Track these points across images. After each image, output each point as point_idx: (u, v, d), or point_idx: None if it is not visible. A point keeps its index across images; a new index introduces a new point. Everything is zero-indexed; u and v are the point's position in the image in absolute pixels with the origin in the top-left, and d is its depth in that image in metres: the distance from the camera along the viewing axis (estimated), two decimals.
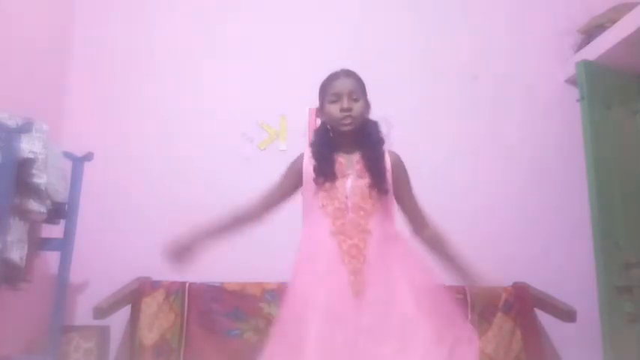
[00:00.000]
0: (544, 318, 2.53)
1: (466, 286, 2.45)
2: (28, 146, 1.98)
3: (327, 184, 1.57)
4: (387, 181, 1.59)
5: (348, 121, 1.57)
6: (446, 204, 2.75)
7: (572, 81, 2.85)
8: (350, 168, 1.59)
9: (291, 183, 1.66)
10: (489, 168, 2.84)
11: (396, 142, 2.85)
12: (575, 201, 2.71)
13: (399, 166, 1.66)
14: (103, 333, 2.55)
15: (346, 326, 1.41)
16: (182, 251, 1.68)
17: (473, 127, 2.88)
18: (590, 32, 2.83)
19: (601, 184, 2.54)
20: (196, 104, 2.91)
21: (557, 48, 2.99)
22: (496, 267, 2.62)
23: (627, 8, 2.57)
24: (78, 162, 2.37)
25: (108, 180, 2.70)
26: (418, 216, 1.69)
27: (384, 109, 2.88)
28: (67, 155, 2.34)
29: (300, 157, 1.67)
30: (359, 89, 1.62)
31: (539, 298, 2.48)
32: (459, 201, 2.77)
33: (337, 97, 1.59)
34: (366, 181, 1.57)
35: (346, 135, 1.61)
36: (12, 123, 1.94)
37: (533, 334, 2.42)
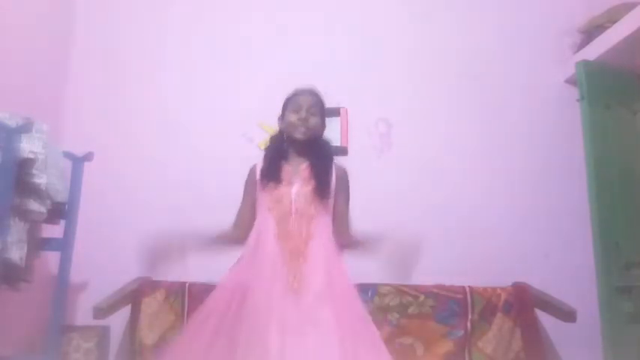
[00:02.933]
0: (544, 318, 2.52)
1: (466, 286, 2.46)
2: (28, 146, 1.98)
3: (273, 188, 1.69)
4: (329, 188, 1.71)
5: (302, 129, 1.72)
6: (445, 204, 2.77)
7: (571, 81, 2.85)
8: (296, 175, 1.71)
9: (254, 196, 1.78)
10: (489, 168, 2.83)
11: (396, 142, 2.88)
12: (575, 201, 2.70)
13: (342, 178, 1.79)
14: (103, 333, 2.55)
15: (286, 327, 1.49)
16: (164, 254, 1.77)
17: (472, 127, 2.88)
18: (590, 32, 2.83)
19: (601, 184, 2.54)
20: (196, 104, 2.91)
21: (557, 48, 2.98)
22: (496, 267, 2.63)
23: (627, 8, 2.57)
24: (78, 162, 2.37)
25: (108, 180, 2.71)
26: (344, 224, 1.78)
27: (383, 109, 2.93)
28: (67, 155, 2.34)
29: (254, 168, 1.81)
30: (318, 107, 1.78)
31: (539, 298, 2.48)
32: (459, 201, 2.77)
33: (298, 109, 1.74)
34: (310, 187, 1.69)
35: (298, 144, 1.74)
36: (12, 123, 1.94)
37: (533, 334, 2.42)
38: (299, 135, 1.73)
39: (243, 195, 1.82)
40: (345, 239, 1.75)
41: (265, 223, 1.68)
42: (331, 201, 1.73)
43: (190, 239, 1.83)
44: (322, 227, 1.68)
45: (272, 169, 1.73)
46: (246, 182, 1.83)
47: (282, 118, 1.82)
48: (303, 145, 1.75)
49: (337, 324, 1.51)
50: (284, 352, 1.45)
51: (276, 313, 1.52)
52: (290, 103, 1.79)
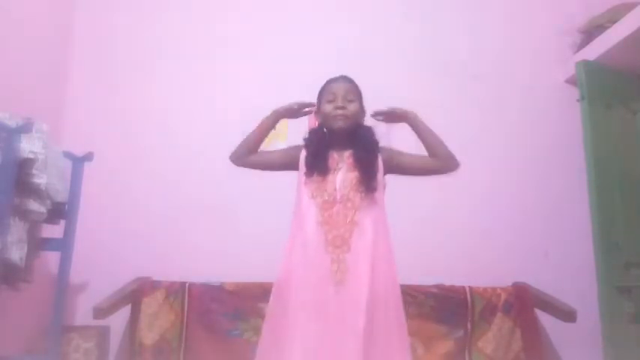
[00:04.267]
0: (544, 318, 2.53)
1: (466, 286, 2.46)
2: (28, 146, 1.97)
3: (319, 177, 1.63)
4: (375, 179, 1.64)
5: (341, 117, 1.65)
6: (445, 204, 2.77)
7: (572, 81, 2.85)
8: (341, 162, 1.66)
9: (286, 158, 1.75)
10: (489, 168, 2.83)
11: (396, 142, 2.87)
12: (575, 201, 2.71)
13: (391, 155, 1.74)
14: (103, 333, 2.55)
15: (327, 322, 1.48)
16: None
17: (472, 127, 2.88)
18: (590, 32, 2.83)
19: (601, 184, 2.54)
20: (196, 104, 2.91)
21: (557, 48, 2.99)
22: (496, 267, 2.64)
23: (627, 8, 2.57)
24: (78, 162, 2.36)
25: (108, 180, 2.70)
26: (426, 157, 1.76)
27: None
28: (67, 155, 2.34)
29: (301, 147, 1.74)
30: (355, 92, 1.71)
31: (539, 298, 2.48)
32: (459, 201, 2.77)
33: (333, 97, 1.68)
34: (355, 174, 1.63)
35: (339, 133, 1.67)
36: (12, 123, 1.94)
37: (533, 334, 2.42)
38: (338, 124, 1.66)
39: (280, 149, 1.80)
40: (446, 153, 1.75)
41: (308, 209, 1.61)
42: (379, 194, 1.65)
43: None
44: (368, 216, 1.60)
45: (318, 161, 1.65)
46: (291, 147, 1.78)
47: (318, 110, 1.75)
48: (344, 135, 1.68)
49: (370, 327, 1.49)
50: (323, 344, 1.45)
51: (320, 306, 1.50)
52: (324, 93, 1.71)
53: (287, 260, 1.64)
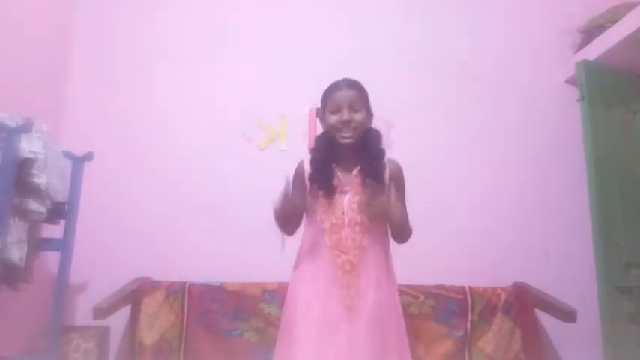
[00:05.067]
0: (544, 318, 2.53)
1: (466, 286, 2.46)
2: (28, 146, 1.97)
3: (325, 200, 1.58)
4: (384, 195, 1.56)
5: (348, 134, 1.57)
6: (445, 204, 2.77)
7: (572, 81, 2.85)
8: (348, 184, 1.59)
9: (302, 189, 1.63)
10: (489, 168, 2.84)
11: (396, 141, 2.88)
12: (575, 201, 2.71)
13: (397, 176, 1.65)
14: (103, 333, 2.55)
15: (339, 342, 1.46)
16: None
17: (472, 127, 2.88)
18: (590, 32, 2.83)
19: (601, 184, 2.54)
20: (196, 104, 2.91)
21: (557, 48, 2.99)
22: (496, 267, 2.64)
23: (627, 8, 2.57)
24: (78, 162, 2.36)
25: (108, 180, 2.70)
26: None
27: (384, 109, 2.91)
28: (67, 155, 2.34)
29: (301, 166, 1.67)
30: (360, 100, 1.61)
31: (539, 298, 2.48)
32: (459, 201, 2.77)
33: (338, 108, 1.58)
34: (365, 196, 1.56)
35: (346, 147, 1.60)
36: (12, 123, 1.94)
37: (533, 334, 2.42)
38: (345, 140, 1.57)
39: (293, 187, 1.63)
40: (405, 236, 1.65)
41: (317, 233, 1.59)
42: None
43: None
44: (376, 238, 1.59)
45: (323, 178, 1.58)
46: (294, 179, 1.64)
47: (322, 117, 1.66)
48: (352, 147, 1.60)
49: (379, 345, 1.49)
50: None
51: (331, 330, 1.48)
52: (328, 102, 1.61)
53: (298, 278, 1.62)
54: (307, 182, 1.63)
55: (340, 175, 1.60)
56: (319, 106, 1.71)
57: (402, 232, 1.64)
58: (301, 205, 1.58)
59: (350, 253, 1.54)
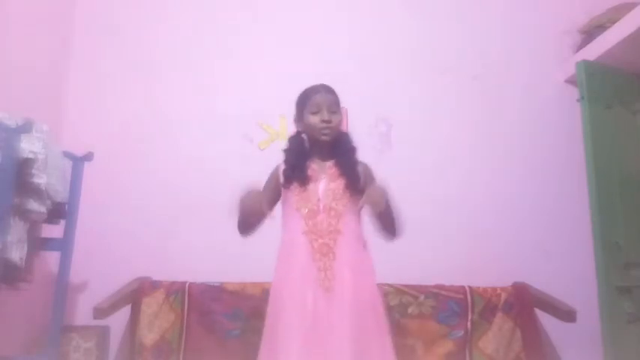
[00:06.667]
0: (544, 318, 2.53)
1: (466, 286, 2.46)
2: (28, 146, 1.97)
3: (300, 189, 1.69)
4: (360, 182, 1.71)
5: (327, 131, 1.71)
6: (445, 204, 2.77)
7: (572, 81, 2.85)
8: (323, 173, 1.72)
9: (274, 192, 1.77)
10: (489, 168, 2.84)
11: (396, 141, 2.88)
12: (575, 201, 2.71)
13: (367, 171, 1.78)
14: (103, 333, 2.55)
15: (318, 324, 1.53)
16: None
17: (472, 127, 2.88)
18: (590, 32, 2.83)
19: (601, 184, 2.54)
20: (196, 104, 2.91)
21: (557, 48, 2.99)
22: (496, 267, 2.64)
23: (627, 8, 2.57)
24: (78, 162, 2.37)
25: (108, 180, 2.70)
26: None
27: (384, 109, 2.93)
28: (67, 155, 2.34)
29: (277, 168, 1.79)
30: (337, 103, 1.76)
31: (539, 298, 2.48)
32: (459, 201, 2.78)
33: (318, 109, 1.71)
34: (339, 183, 1.69)
35: (323, 144, 1.73)
36: (12, 123, 1.94)
37: (533, 334, 2.42)
38: (324, 137, 1.71)
39: (264, 187, 1.77)
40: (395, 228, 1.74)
41: (294, 221, 1.68)
42: (359, 197, 1.70)
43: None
44: (350, 224, 1.68)
45: (297, 170, 1.72)
46: (268, 179, 1.81)
47: (299, 119, 1.79)
48: (327, 145, 1.74)
49: (358, 331, 1.54)
50: (314, 349, 1.50)
51: (309, 312, 1.55)
52: (308, 103, 1.74)
53: (278, 269, 1.70)
54: (282, 178, 1.74)
55: (314, 166, 1.73)
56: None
57: (393, 224, 1.73)
58: (259, 208, 1.65)
59: (326, 237, 1.64)
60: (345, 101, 2.82)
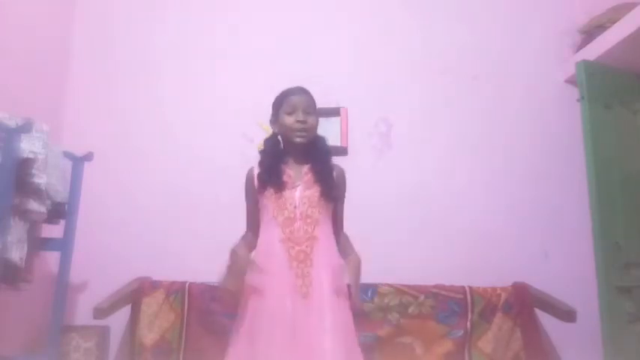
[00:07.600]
0: (544, 318, 2.52)
1: (466, 286, 2.46)
2: (28, 146, 1.98)
3: (276, 195, 1.69)
4: (335, 191, 1.73)
5: (302, 133, 1.71)
6: (445, 204, 2.77)
7: (571, 81, 2.85)
8: (299, 179, 1.72)
9: (256, 199, 1.77)
10: (489, 168, 2.83)
11: (396, 142, 2.88)
12: (575, 201, 2.70)
13: (340, 177, 1.80)
14: (103, 333, 2.56)
15: (297, 331, 1.53)
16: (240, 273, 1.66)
17: (472, 127, 2.88)
18: (590, 32, 2.83)
19: (601, 184, 2.54)
20: (196, 104, 2.91)
21: (557, 48, 2.98)
22: (496, 267, 2.63)
23: (627, 8, 2.56)
24: (78, 162, 2.37)
25: (108, 180, 2.71)
26: (338, 223, 1.82)
27: (383, 109, 2.93)
28: (67, 155, 2.34)
29: (251, 172, 1.80)
30: (313, 105, 1.77)
31: (539, 298, 2.48)
32: (459, 201, 2.77)
33: (293, 110, 1.72)
34: (315, 190, 1.70)
35: (298, 146, 1.73)
36: (12, 123, 1.94)
37: (533, 335, 2.42)
38: (299, 139, 1.72)
39: (246, 200, 1.82)
40: (338, 238, 1.77)
41: (271, 228, 1.69)
42: (333, 203, 1.74)
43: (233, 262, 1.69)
44: (326, 230, 1.70)
45: (272, 175, 1.71)
46: (246, 188, 1.82)
47: (275, 120, 1.80)
48: (303, 148, 1.74)
49: (339, 330, 1.55)
50: (294, 355, 1.49)
51: (288, 318, 1.55)
52: (284, 104, 1.75)
53: (255, 277, 1.68)
54: (256, 183, 1.74)
55: (290, 172, 1.72)
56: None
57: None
58: (234, 291, 1.66)
59: (303, 244, 1.64)
60: (345, 101, 2.88)
